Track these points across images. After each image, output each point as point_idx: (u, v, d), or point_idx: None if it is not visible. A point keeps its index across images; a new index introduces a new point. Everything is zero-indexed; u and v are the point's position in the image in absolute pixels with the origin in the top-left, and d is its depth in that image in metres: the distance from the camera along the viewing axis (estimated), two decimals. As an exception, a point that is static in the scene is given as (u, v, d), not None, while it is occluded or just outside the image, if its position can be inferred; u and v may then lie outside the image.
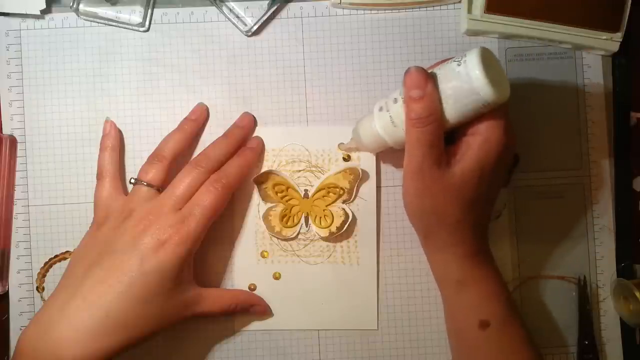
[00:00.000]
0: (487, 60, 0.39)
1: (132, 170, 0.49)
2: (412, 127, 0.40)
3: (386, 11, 0.50)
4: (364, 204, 0.49)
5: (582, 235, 0.50)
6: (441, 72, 0.40)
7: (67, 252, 0.49)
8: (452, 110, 0.40)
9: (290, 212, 0.49)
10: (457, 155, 0.42)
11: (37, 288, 0.49)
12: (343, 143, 0.48)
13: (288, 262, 0.49)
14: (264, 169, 0.49)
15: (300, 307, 0.49)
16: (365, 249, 0.49)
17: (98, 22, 0.50)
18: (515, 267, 0.50)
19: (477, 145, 0.41)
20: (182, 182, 0.45)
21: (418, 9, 0.50)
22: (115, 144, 0.48)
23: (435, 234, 0.44)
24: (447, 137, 0.42)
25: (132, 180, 0.46)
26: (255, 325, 0.49)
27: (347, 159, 0.49)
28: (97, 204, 0.46)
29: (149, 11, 0.50)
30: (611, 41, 0.48)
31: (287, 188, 0.49)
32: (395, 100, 0.42)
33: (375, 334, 0.50)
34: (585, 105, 0.50)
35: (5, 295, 0.49)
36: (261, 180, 0.48)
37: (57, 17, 0.50)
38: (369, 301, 0.49)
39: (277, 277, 0.49)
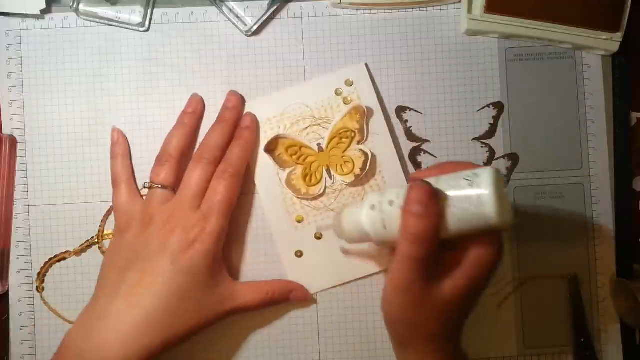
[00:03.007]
0: (497, 183, 0.37)
1: (133, 170, 0.49)
2: (407, 240, 0.37)
3: (386, 11, 0.50)
4: (378, 138, 0.49)
5: (582, 235, 0.50)
6: (448, 187, 0.38)
7: (67, 252, 0.49)
8: (453, 227, 0.37)
9: (310, 169, 0.49)
10: (446, 267, 0.39)
11: (37, 288, 0.49)
12: (322, 225, 0.48)
13: (324, 219, 0.49)
14: (264, 140, 0.49)
15: (349, 259, 0.49)
16: (393, 180, 0.49)
17: (98, 22, 0.50)
18: (515, 267, 0.50)
19: (468, 262, 0.38)
20: (192, 180, 0.46)
21: (418, 9, 0.50)
22: (125, 150, 0.49)
23: (411, 344, 0.42)
24: None
25: (146, 185, 0.47)
26: (320, 285, 0.49)
27: (348, 101, 0.49)
28: (117, 211, 0.47)
29: (149, 11, 0.50)
30: (611, 41, 0.48)
31: (300, 147, 0.49)
32: (391, 203, 0.39)
33: (375, 333, 0.50)
34: (585, 105, 0.50)
35: (5, 295, 0.49)
36: (272, 147, 0.48)
37: (57, 17, 0.50)
38: None
39: (318, 237, 0.49)
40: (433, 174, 0.40)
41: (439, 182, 0.38)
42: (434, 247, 0.37)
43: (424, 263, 0.38)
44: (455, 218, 0.37)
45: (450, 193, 0.37)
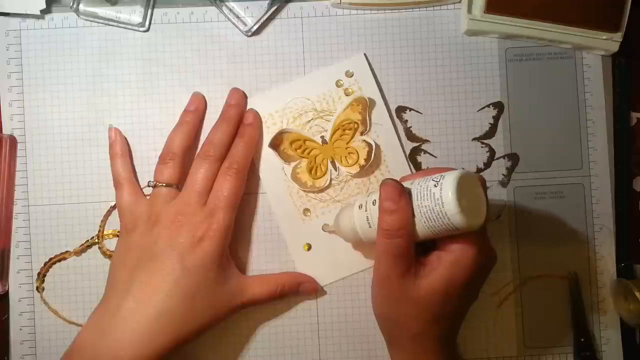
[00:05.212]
0: (466, 185, 0.38)
1: (134, 170, 0.49)
2: (382, 236, 0.40)
3: (386, 11, 0.50)
4: (381, 128, 0.49)
5: (582, 235, 0.50)
6: (417, 188, 0.40)
7: (67, 252, 0.49)
8: (424, 227, 0.39)
9: (315, 162, 0.49)
10: (426, 267, 0.41)
11: (37, 288, 0.49)
12: (328, 225, 0.49)
13: (331, 210, 0.49)
14: (267, 135, 0.49)
15: (359, 247, 0.49)
16: (399, 169, 0.49)
17: (98, 22, 0.50)
18: (515, 267, 0.50)
19: (447, 263, 0.40)
20: (198, 177, 0.46)
21: (418, 9, 0.50)
22: (124, 150, 0.49)
23: (398, 342, 0.43)
24: (421, 244, 0.41)
25: (151, 183, 0.47)
26: (330, 277, 0.49)
27: (349, 93, 0.49)
28: (122, 211, 0.47)
29: (149, 11, 0.50)
30: (611, 41, 0.48)
31: (304, 141, 0.49)
32: (374, 203, 0.42)
33: (375, 333, 0.50)
34: (585, 105, 0.50)
35: (5, 295, 0.49)
36: (276, 143, 0.48)
37: (57, 17, 0.50)
38: None
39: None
40: (416, 177, 0.42)
41: (413, 184, 0.40)
42: (407, 242, 0.40)
43: (398, 257, 0.40)
44: (424, 217, 0.39)
45: (418, 192, 0.40)
